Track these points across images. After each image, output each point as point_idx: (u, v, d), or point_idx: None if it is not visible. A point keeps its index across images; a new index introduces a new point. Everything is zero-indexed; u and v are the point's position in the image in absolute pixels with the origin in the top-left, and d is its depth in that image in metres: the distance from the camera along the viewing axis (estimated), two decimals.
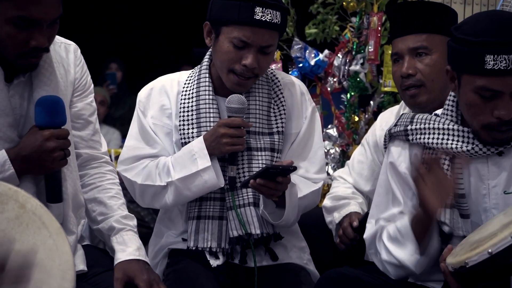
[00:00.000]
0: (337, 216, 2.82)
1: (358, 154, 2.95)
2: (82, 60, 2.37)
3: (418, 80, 2.64)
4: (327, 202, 2.89)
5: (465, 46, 2.10)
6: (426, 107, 2.61)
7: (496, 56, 2.04)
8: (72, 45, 2.36)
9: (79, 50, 2.37)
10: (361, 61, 3.49)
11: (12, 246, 1.83)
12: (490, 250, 1.86)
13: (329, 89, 3.58)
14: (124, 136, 2.46)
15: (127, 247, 2.28)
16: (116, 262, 2.26)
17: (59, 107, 2.18)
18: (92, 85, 2.43)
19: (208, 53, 2.62)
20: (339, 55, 3.56)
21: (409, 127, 2.25)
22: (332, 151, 3.45)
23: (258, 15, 2.41)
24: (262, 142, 2.53)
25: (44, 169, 2.16)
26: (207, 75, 2.57)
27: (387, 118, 2.89)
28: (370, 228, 2.32)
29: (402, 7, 2.85)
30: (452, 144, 2.19)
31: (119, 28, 7.65)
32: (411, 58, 2.65)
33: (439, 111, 2.28)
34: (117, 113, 6.49)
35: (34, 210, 1.87)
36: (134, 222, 2.36)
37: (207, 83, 2.55)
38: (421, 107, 2.63)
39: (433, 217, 2.10)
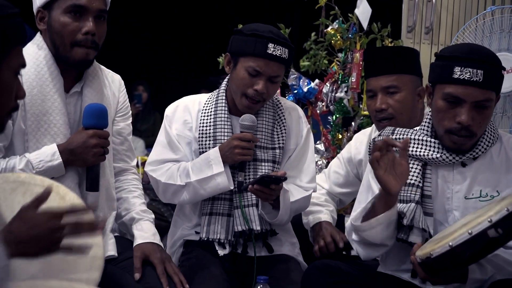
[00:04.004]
0: (311, 219, 2.78)
1: (335, 165, 2.94)
2: (125, 89, 2.45)
3: (390, 113, 2.65)
4: None
5: (441, 60, 2.14)
6: None
7: (462, 68, 2.07)
8: (117, 76, 2.45)
9: (122, 81, 2.45)
10: (345, 89, 3.45)
11: None
12: (450, 243, 1.87)
13: (318, 111, 3.53)
14: (147, 146, 2.47)
15: (145, 233, 2.33)
16: (135, 244, 2.31)
17: (102, 113, 2.23)
18: (131, 111, 2.51)
19: (225, 79, 2.63)
20: (327, 84, 3.50)
21: (390, 137, 2.25)
22: (319, 162, 3.39)
23: (270, 50, 2.43)
24: (265, 155, 2.53)
25: (85, 162, 2.20)
26: (224, 97, 2.58)
27: (360, 139, 2.89)
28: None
29: (376, 51, 2.87)
30: (424, 152, 2.20)
31: (147, 55, 7.69)
32: (383, 95, 2.66)
33: (417, 128, 2.29)
34: (143, 127, 6.41)
35: (72, 201, 1.86)
36: (152, 215, 2.42)
37: (223, 104, 2.57)
38: None
39: (390, 193, 2.07)
